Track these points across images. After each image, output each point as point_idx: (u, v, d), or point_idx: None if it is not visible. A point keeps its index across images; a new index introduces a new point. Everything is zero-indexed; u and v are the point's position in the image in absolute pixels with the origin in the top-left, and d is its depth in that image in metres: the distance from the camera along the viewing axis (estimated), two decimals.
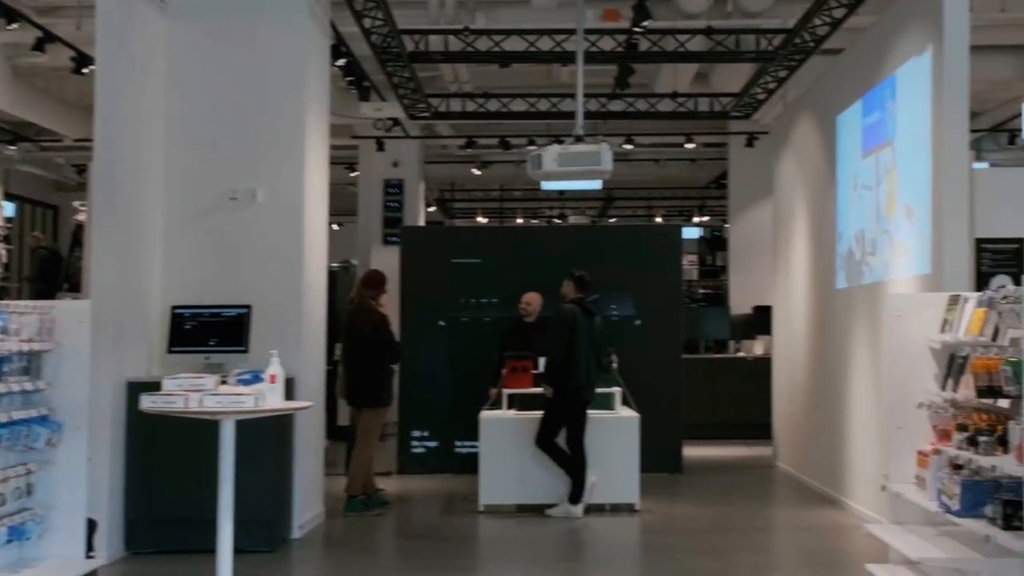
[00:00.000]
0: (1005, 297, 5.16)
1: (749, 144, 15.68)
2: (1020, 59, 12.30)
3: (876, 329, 8.62)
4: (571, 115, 10.36)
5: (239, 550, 5.84)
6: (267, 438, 7.57)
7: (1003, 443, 5.11)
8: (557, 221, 25.43)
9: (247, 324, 7.94)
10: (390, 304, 9.91)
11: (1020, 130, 15.06)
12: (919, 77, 7.97)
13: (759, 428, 13.05)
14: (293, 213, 8.45)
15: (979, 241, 7.91)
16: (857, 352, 9.26)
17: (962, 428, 5.41)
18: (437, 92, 14.11)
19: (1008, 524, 4.86)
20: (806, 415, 11.06)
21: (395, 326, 10.21)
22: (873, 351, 8.74)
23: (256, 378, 5.65)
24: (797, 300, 11.59)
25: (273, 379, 5.64)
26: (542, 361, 9.44)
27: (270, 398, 5.61)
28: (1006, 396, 5.08)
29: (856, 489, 9.20)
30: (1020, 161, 15.61)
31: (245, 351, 7.82)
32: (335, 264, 13.86)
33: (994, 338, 5.34)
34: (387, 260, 13.82)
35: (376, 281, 9.65)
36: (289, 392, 7.29)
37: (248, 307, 8.01)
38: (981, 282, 7.69)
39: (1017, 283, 7.53)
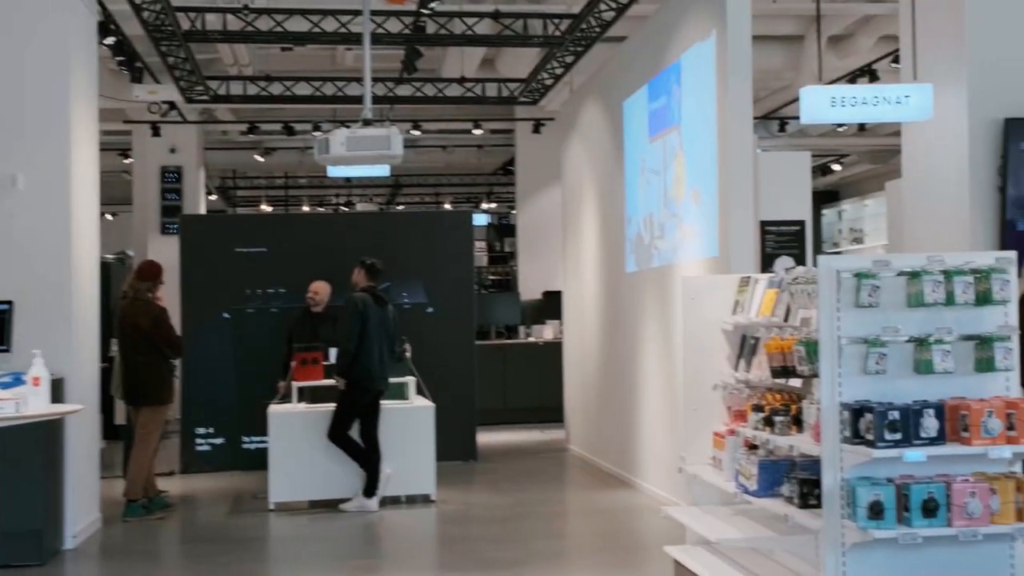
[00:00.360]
0: (796, 278, 5.22)
1: (536, 130, 15.76)
2: (789, 49, 12.74)
3: (666, 312, 8.75)
4: (358, 100, 10.09)
5: (5, 565, 5.41)
6: (33, 443, 7.01)
7: (798, 422, 5.18)
8: (344, 209, 25.02)
9: (8, 322, 7.38)
10: (168, 296, 9.43)
11: (790, 118, 15.72)
12: (703, 63, 8.09)
13: (551, 412, 13.18)
14: (58, 201, 7.87)
15: (763, 224, 8.13)
16: (647, 335, 9.38)
17: (757, 408, 5.46)
18: (216, 75, 13.53)
19: (804, 502, 4.92)
20: (598, 398, 11.17)
21: (175, 319, 9.75)
22: (663, 334, 8.86)
23: (17, 381, 5.21)
24: (587, 285, 11.68)
25: (37, 381, 5.21)
26: (333, 352, 9.18)
27: (33, 402, 5.18)
28: (799, 376, 5.15)
29: (649, 471, 9.33)
30: (790, 147, 16.26)
31: (7, 351, 7.25)
32: (109, 256, 13.19)
33: (786, 318, 5.41)
34: (166, 250, 13.30)
35: (151, 273, 9.15)
36: (58, 394, 6.80)
37: (9, 303, 7.44)
38: (766, 263, 7.91)
39: (800, 263, 7.83)
